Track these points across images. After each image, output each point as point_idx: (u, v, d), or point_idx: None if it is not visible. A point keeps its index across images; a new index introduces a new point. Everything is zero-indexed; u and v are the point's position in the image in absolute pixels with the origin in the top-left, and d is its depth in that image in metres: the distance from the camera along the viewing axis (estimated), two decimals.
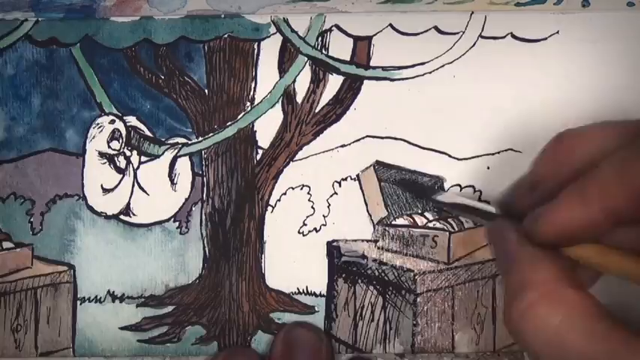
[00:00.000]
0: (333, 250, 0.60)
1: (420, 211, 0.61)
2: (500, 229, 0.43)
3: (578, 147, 0.40)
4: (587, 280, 0.42)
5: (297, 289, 0.60)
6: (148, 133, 0.60)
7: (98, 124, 0.60)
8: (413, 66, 0.60)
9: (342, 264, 0.60)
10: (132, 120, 0.60)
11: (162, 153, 0.60)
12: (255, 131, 0.60)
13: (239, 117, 0.60)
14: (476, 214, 0.48)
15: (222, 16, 0.60)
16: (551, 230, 0.38)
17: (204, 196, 0.60)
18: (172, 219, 0.60)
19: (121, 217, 0.60)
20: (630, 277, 0.38)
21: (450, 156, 0.60)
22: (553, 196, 0.39)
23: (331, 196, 0.60)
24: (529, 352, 0.36)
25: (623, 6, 0.60)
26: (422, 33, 0.60)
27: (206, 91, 0.60)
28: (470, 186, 0.60)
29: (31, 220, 0.60)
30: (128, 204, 0.60)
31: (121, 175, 0.60)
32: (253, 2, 0.59)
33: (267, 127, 0.60)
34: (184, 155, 0.60)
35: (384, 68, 0.60)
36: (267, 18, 0.60)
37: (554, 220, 0.38)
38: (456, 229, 0.60)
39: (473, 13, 0.60)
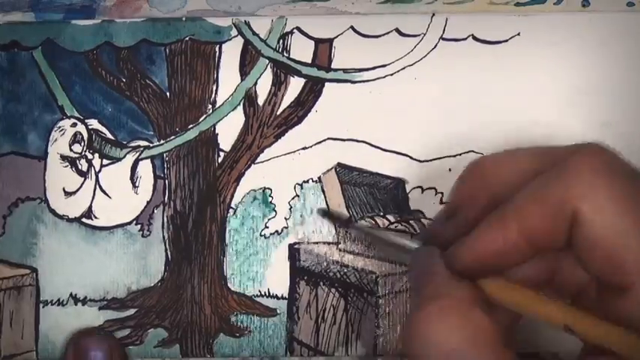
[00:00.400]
0: (294, 252, 0.60)
1: (381, 213, 0.61)
2: (424, 252, 0.41)
3: (494, 173, 0.40)
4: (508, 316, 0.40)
5: (259, 291, 0.60)
6: (109, 136, 0.60)
7: (60, 127, 0.60)
8: (374, 68, 0.60)
9: (303, 266, 0.60)
10: (93, 123, 0.60)
11: (124, 156, 0.60)
12: (217, 134, 0.60)
13: (200, 120, 0.60)
14: (395, 247, 0.45)
15: (184, 19, 0.60)
16: (469, 257, 0.37)
17: (166, 198, 0.60)
18: (134, 222, 0.60)
19: (83, 220, 0.60)
20: (522, 311, 0.37)
21: (411, 158, 0.60)
22: (470, 225, 0.38)
23: (293, 198, 0.60)
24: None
25: (623, 6, 0.60)
26: (383, 35, 0.60)
27: (167, 93, 0.60)
28: (431, 188, 0.60)
29: None
30: (90, 207, 0.60)
31: (83, 178, 0.60)
32: (253, 2, 0.60)
33: (228, 130, 0.60)
34: (146, 158, 0.60)
35: (345, 70, 0.60)
36: (228, 21, 0.60)
37: (472, 246, 0.37)
38: (418, 231, 0.60)
39: (434, 15, 0.60)
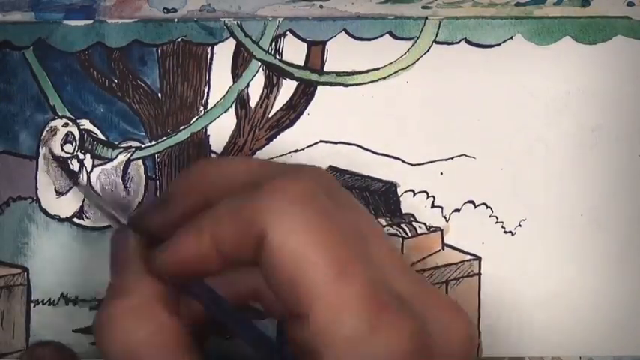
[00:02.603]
0: None
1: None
2: (125, 235, 0.41)
3: (212, 177, 0.40)
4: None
5: None
6: (101, 136, 0.60)
7: (52, 127, 0.60)
8: (367, 71, 0.60)
9: None
10: (85, 123, 0.60)
11: (116, 156, 0.60)
12: (209, 136, 0.60)
13: (192, 121, 0.60)
14: (108, 217, 0.46)
15: (176, 20, 0.60)
16: (170, 260, 0.36)
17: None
18: None
19: (75, 220, 0.60)
20: None
21: (403, 161, 0.60)
22: (175, 219, 0.39)
23: None
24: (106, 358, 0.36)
25: (623, 6, 0.60)
26: (376, 38, 0.60)
27: (159, 94, 0.60)
28: (423, 192, 0.60)
29: None
30: (81, 207, 0.60)
31: (74, 179, 0.60)
32: (253, 2, 0.59)
33: (220, 132, 0.60)
34: (137, 159, 0.60)
35: (337, 73, 0.60)
36: (220, 22, 0.60)
37: (172, 249, 0.37)
38: (409, 234, 0.60)
39: (427, 18, 0.60)
